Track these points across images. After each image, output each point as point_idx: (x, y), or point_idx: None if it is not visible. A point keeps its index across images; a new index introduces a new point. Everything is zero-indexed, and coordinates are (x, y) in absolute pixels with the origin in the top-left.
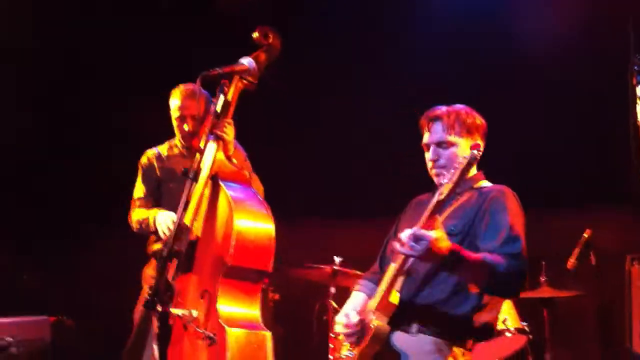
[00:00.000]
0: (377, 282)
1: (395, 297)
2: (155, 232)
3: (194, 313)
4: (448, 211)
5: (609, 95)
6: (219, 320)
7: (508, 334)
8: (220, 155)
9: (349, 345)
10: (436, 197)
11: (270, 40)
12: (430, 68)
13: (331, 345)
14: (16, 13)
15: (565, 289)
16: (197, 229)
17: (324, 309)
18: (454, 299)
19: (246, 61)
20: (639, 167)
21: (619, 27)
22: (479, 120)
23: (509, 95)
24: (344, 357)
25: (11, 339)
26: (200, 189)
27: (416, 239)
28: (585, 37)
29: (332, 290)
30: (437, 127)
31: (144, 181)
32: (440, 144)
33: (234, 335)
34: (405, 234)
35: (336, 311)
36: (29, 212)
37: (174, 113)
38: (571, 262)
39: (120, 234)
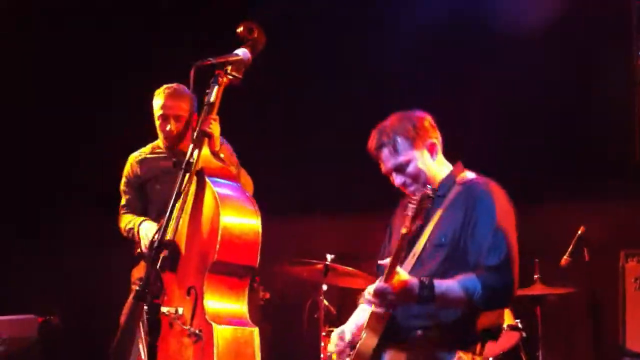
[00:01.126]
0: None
1: None
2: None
3: (180, 310)
4: (437, 215)
5: (605, 87)
6: (206, 316)
7: None
8: (206, 151)
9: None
10: (400, 236)
11: (255, 35)
12: (420, 53)
13: (322, 344)
14: (15, 12)
15: (558, 286)
16: (183, 225)
17: (315, 307)
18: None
19: (240, 52)
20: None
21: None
22: (419, 120)
23: (501, 87)
24: None
25: None
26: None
27: (380, 295)
28: (583, 22)
29: (324, 287)
30: (385, 154)
31: (127, 187)
32: (398, 169)
33: (220, 331)
34: (370, 291)
35: (327, 309)
36: (15, 210)
37: (157, 112)
38: (565, 259)
39: (108, 234)
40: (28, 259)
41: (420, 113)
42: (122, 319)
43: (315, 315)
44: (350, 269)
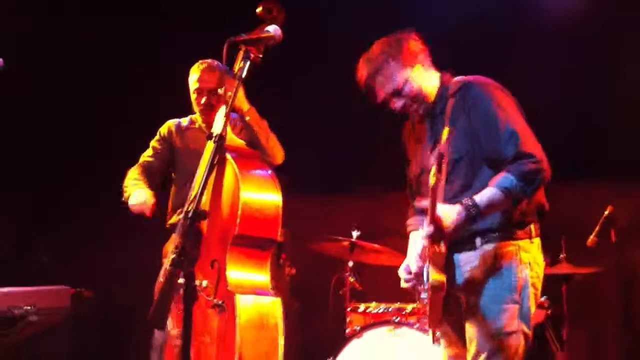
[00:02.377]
0: (421, 213)
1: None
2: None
3: (204, 283)
4: (445, 133)
5: (632, 67)
6: (228, 287)
7: None
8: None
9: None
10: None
11: (275, 14)
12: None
13: (348, 319)
14: (16, 15)
15: (585, 266)
16: (205, 201)
17: (341, 283)
18: None
19: (272, 29)
20: None
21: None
22: (405, 39)
23: (529, 65)
24: (422, 298)
25: (29, 307)
26: (206, 159)
27: (434, 238)
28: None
29: (350, 264)
30: (379, 81)
31: (159, 144)
32: (397, 92)
33: (242, 301)
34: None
35: (353, 285)
36: (48, 185)
37: (193, 86)
38: (592, 239)
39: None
40: (59, 235)
41: (404, 32)
42: (156, 287)
43: (341, 292)
44: (376, 245)
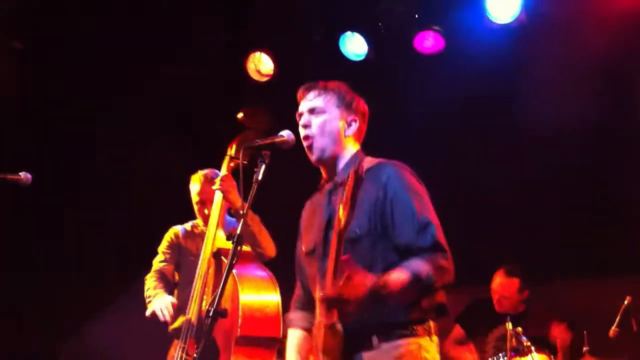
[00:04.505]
0: (307, 308)
1: None
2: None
3: None
4: (347, 206)
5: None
6: None
7: None
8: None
9: None
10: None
11: (257, 120)
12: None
13: None
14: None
15: (609, 357)
16: (206, 305)
17: None
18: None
19: (285, 133)
20: None
21: None
22: (359, 100)
23: (546, 164)
24: None
25: None
26: (204, 267)
27: (335, 304)
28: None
29: None
30: (311, 94)
31: (169, 250)
32: (312, 111)
33: None
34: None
35: None
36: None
37: (194, 198)
38: (613, 330)
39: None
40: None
41: (364, 103)
42: None
43: None
44: None
